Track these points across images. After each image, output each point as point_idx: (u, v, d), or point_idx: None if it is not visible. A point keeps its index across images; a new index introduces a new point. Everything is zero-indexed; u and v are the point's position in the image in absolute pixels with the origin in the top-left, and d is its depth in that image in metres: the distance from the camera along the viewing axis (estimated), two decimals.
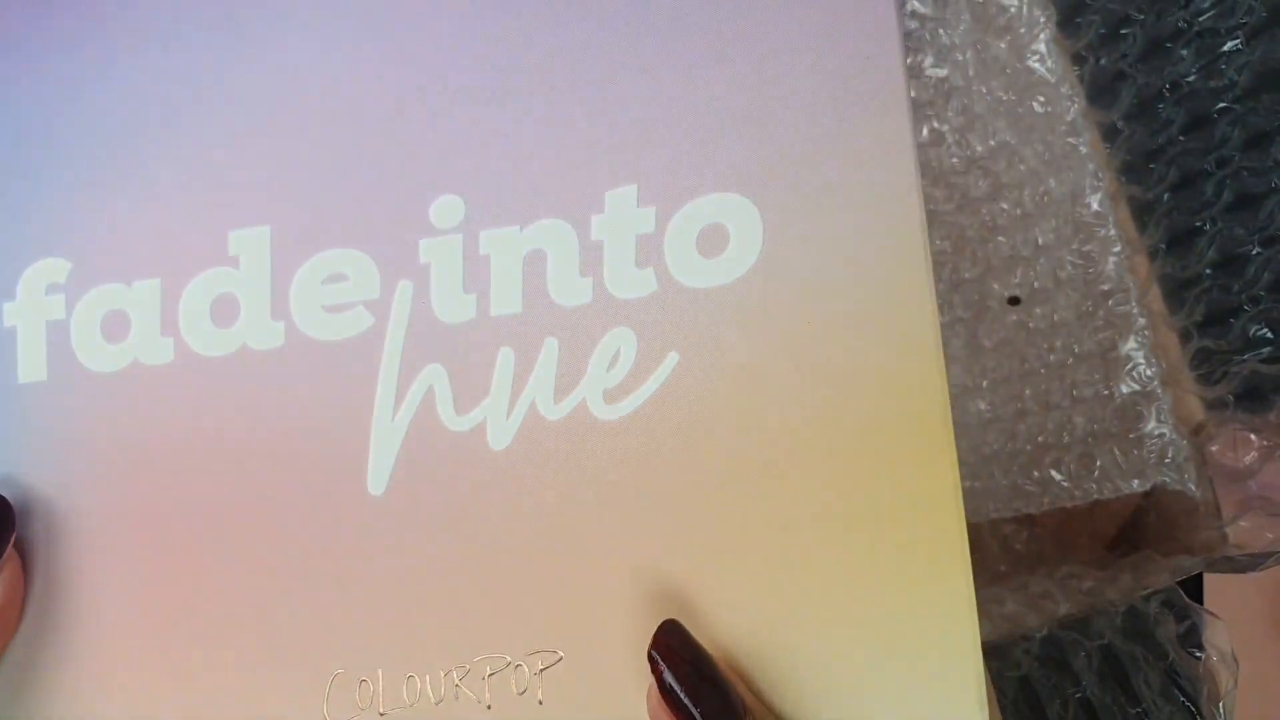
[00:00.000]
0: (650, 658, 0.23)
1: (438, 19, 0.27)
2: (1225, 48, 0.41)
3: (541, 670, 0.24)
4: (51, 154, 0.28)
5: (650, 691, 0.23)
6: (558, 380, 0.25)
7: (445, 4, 0.27)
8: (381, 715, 0.25)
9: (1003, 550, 0.43)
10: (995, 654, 0.36)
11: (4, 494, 0.26)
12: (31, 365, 0.27)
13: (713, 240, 0.25)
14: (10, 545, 0.25)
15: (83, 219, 0.27)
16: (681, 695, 0.22)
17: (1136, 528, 0.40)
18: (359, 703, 0.25)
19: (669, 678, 0.22)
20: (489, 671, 0.24)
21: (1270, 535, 0.36)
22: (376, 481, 0.26)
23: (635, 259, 0.25)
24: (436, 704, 0.24)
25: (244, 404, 0.26)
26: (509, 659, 0.24)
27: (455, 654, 0.25)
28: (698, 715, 0.22)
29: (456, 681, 0.25)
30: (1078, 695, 0.36)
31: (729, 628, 0.24)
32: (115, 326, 0.27)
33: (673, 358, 0.25)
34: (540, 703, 0.24)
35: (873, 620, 0.23)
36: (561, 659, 0.24)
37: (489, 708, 0.24)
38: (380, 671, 0.25)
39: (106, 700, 0.26)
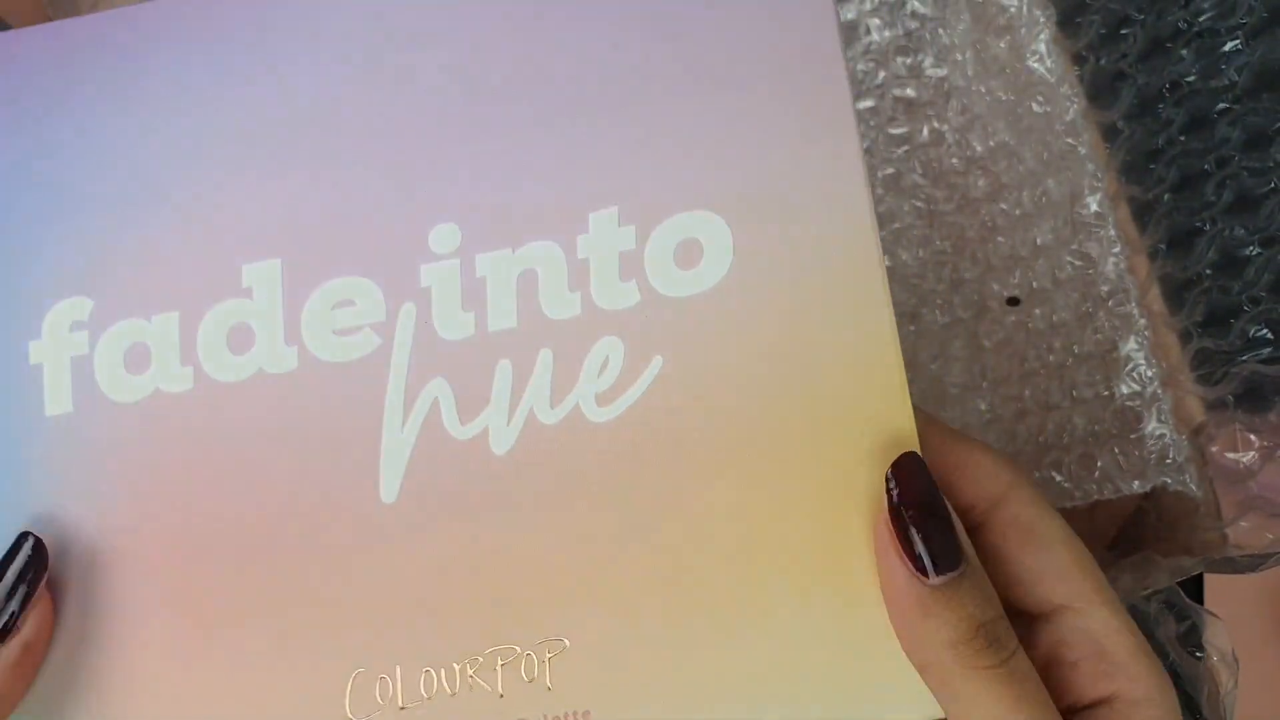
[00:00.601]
0: (887, 478, 0.24)
1: (429, 59, 0.29)
2: (1225, 48, 0.41)
3: (549, 658, 0.26)
4: (72, 197, 0.29)
5: (879, 521, 0.24)
6: (553, 387, 0.27)
7: (436, 46, 0.29)
8: (401, 709, 0.26)
9: None
10: None
11: (40, 533, 0.27)
12: (57, 399, 0.28)
13: (688, 253, 0.27)
14: (43, 585, 0.27)
15: (103, 259, 0.29)
16: (909, 520, 0.24)
17: (1137, 528, 0.40)
18: (379, 699, 0.26)
19: (900, 501, 0.24)
20: (500, 663, 0.26)
21: (1270, 536, 0.36)
22: (389, 490, 0.27)
23: (619, 273, 0.27)
24: (452, 696, 0.26)
25: (262, 423, 0.28)
26: (518, 649, 0.26)
27: (468, 648, 0.26)
28: (921, 544, 0.23)
29: (470, 673, 0.26)
30: None
31: (713, 607, 0.26)
32: (137, 359, 0.28)
33: (657, 361, 0.27)
34: (549, 688, 0.26)
35: (844, 596, 0.25)
36: (567, 646, 0.26)
37: (501, 696, 0.26)
38: (398, 668, 0.26)
39: (137, 708, 0.27)
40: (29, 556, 0.27)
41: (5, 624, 0.26)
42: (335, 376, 0.28)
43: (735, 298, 0.27)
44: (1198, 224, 0.40)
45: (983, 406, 0.41)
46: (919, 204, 0.44)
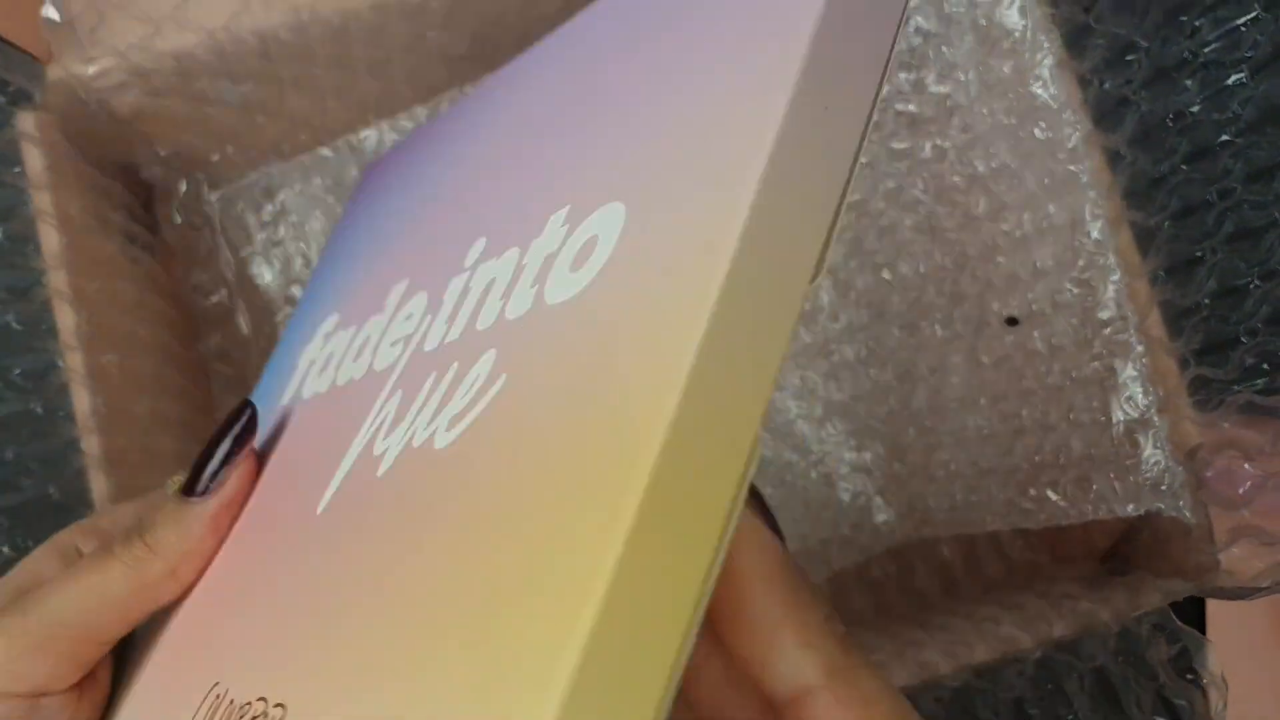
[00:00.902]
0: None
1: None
2: (1230, 80, 0.42)
3: None
4: (349, 245, 0.36)
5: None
6: (439, 406, 0.23)
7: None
8: None
9: (998, 558, 0.42)
10: (989, 675, 0.36)
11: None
12: (291, 391, 0.32)
13: (585, 252, 0.21)
14: (248, 449, 0.28)
15: (348, 282, 0.34)
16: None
17: (1130, 545, 0.40)
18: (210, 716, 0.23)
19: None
20: (250, 715, 0.22)
21: (1260, 565, 0.36)
22: (325, 501, 0.25)
23: (534, 278, 0.23)
24: None
25: (320, 432, 0.29)
26: (266, 704, 0.21)
27: (261, 690, 0.22)
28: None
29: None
30: (1070, 717, 0.35)
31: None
32: (326, 363, 0.31)
33: (501, 380, 0.21)
34: None
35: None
36: (286, 712, 0.21)
37: None
38: (229, 691, 0.23)
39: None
40: (245, 422, 0.28)
41: (210, 481, 0.28)
42: (371, 384, 0.28)
43: (590, 308, 0.20)
44: (1198, 253, 0.41)
45: (980, 422, 0.41)
46: (920, 219, 0.44)
